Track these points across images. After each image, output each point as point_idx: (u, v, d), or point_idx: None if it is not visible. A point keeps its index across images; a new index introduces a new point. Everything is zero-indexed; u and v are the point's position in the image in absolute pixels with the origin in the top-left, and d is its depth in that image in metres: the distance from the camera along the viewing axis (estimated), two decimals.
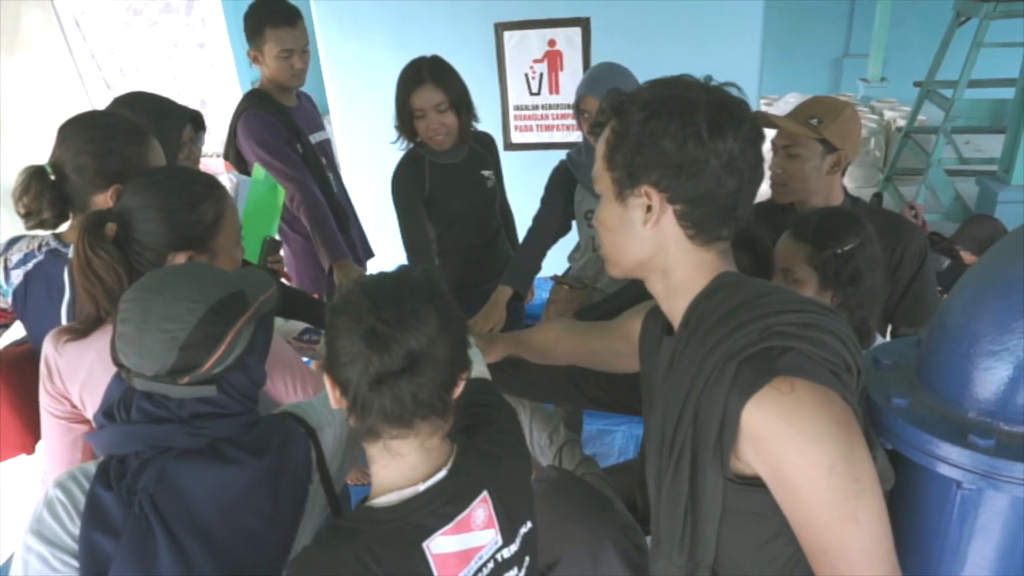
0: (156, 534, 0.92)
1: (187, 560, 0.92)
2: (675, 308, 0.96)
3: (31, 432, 1.51)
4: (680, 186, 0.87)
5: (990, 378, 0.86)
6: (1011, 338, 0.83)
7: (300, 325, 1.61)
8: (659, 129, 0.86)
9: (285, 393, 1.39)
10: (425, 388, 0.88)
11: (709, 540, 0.90)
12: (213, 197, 1.30)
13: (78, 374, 1.26)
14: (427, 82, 2.13)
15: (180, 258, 1.26)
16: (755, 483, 0.85)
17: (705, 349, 0.86)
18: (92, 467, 0.95)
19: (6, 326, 1.52)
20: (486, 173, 2.40)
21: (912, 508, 0.95)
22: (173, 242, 1.25)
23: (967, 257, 3.60)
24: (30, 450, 1.55)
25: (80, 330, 1.24)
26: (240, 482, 0.98)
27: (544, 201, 2.27)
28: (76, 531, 0.90)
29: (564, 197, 2.24)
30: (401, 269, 0.96)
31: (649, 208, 0.90)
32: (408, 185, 2.29)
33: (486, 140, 2.45)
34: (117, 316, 0.97)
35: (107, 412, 0.98)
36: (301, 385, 1.41)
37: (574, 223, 2.32)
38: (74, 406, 1.30)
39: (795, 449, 0.79)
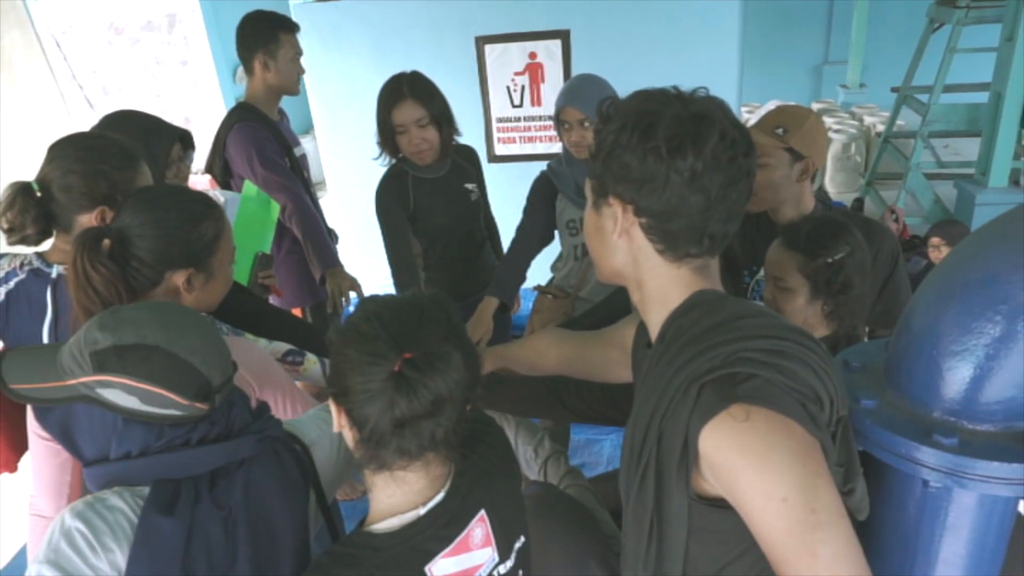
0: (240, 550, 0.95)
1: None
2: (651, 320, 0.97)
3: (14, 449, 1.51)
4: (642, 200, 0.87)
5: (953, 378, 0.88)
6: (971, 338, 0.85)
7: (284, 346, 1.61)
8: (624, 142, 0.86)
9: (275, 411, 1.40)
10: (443, 427, 0.89)
11: (676, 558, 0.89)
12: (212, 216, 1.31)
13: None
14: (407, 98, 2.15)
15: (179, 277, 1.27)
16: (721, 504, 0.84)
17: (672, 369, 0.86)
18: (111, 496, 0.93)
19: None
20: (469, 186, 2.41)
21: (883, 508, 0.97)
22: (173, 260, 1.26)
23: (935, 254, 3.67)
24: (12, 468, 1.54)
25: None
26: (290, 480, 1.05)
27: (526, 211, 2.29)
28: (99, 564, 0.88)
29: (546, 207, 2.26)
30: (411, 295, 0.94)
31: (617, 218, 0.91)
32: (392, 201, 2.30)
33: (468, 153, 2.47)
34: (175, 357, 0.95)
35: (169, 446, 0.97)
36: (291, 404, 1.42)
37: (557, 233, 2.34)
38: None
39: (747, 478, 0.79)
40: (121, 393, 0.94)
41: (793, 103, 1.82)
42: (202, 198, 1.33)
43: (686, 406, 0.83)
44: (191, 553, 0.91)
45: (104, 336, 0.94)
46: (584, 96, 2.03)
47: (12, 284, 1.43)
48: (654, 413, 0.87)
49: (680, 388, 0.84)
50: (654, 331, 0.96)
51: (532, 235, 2.26)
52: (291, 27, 2.47)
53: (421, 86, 2.18)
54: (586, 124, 2.03)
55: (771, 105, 6.45)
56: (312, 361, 1.61)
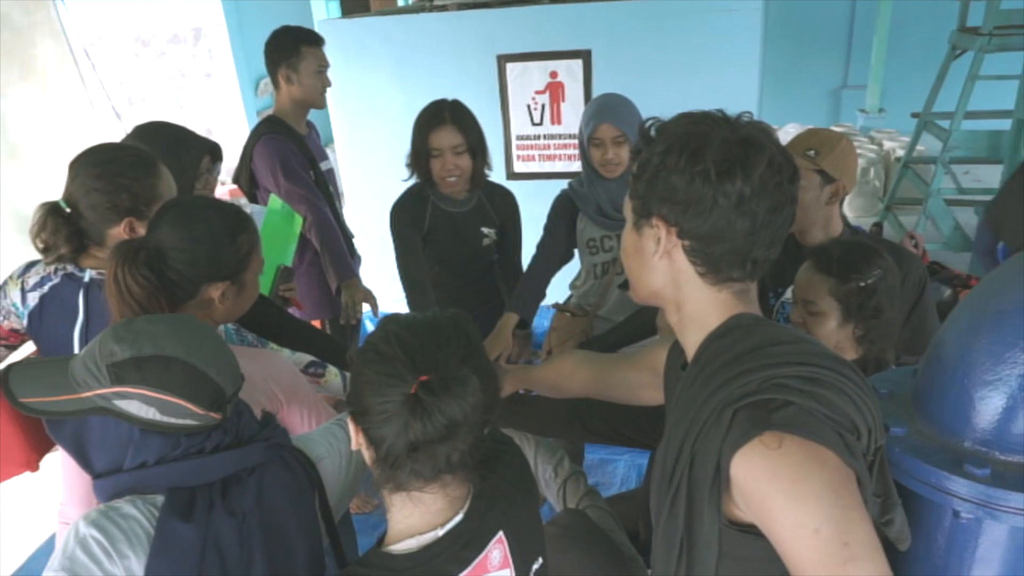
0: (255, 555, 0.96)
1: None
2: (688, 342, 0.96)
3: (36, 449, 1.51)
4: (688, 222, 0.86)
5: (985, 408, 0.86)
6: (1005, 368, 0.84)
7: (306, 357, 1.62)
8: (671, 164, 0.86)
9: (300, 425, 1.41)
10: (459, 449, 0.89)
11: None
12: (248, 229, 1.33)
13: None
14: (447, 123, 2.16)
15: (215, 290, 1.28)
16: (753, 531, 0.83)
17: (706, 393, 0.85)
18: (124, 504, 0.93)
19: (14, 347, 1.55)
20: (486, 230, 2.39)
21: (913, 538, 0.95)
22: (212, 275, 1.27)
23: None
24: (34, 467, 1.54)
25: None
26: (298, 486, 1.05)
27: (547, 229, 2.29)
28: (115, 570, 0.89)
29: (566, 225, 2.26)
30: (431, 315, 0.94)
31: (659, 240, 0.90)
32: (406, 219, 2.31)
33: (501, 196, 2.41)
34: (193, 367, 0.96)
35: (185, 455, 0.97)
36: (316, 419, 1.43)
37: (576, 251, 2.35)
38: None
39: (778, 507, 0.77)
40: (139, 404, 0.94)
41: (814, 126, 1.82)
42: (237, 211, 1.35)
43: (719, 431, 0.82)
44: (205, 559, 0.92)
45: (122, 348, 0.95)
46: (619, 114, 2.04)
47: (46, 288, 1.45)
48: (686, 436, 0.87)
49: (714, 412, 0.83)
50: (690, 353, 0.95)
51: (552, 253, 2.27)
52: (314, 40, 2.50)
53: (462, 114, 2.20)
54: (620, 141, 2.03)
55: (790, 128, 6.46)
56: (333, 374, 1.62)
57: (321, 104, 2.58)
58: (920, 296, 1.66)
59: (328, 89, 2.58)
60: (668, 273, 0.92)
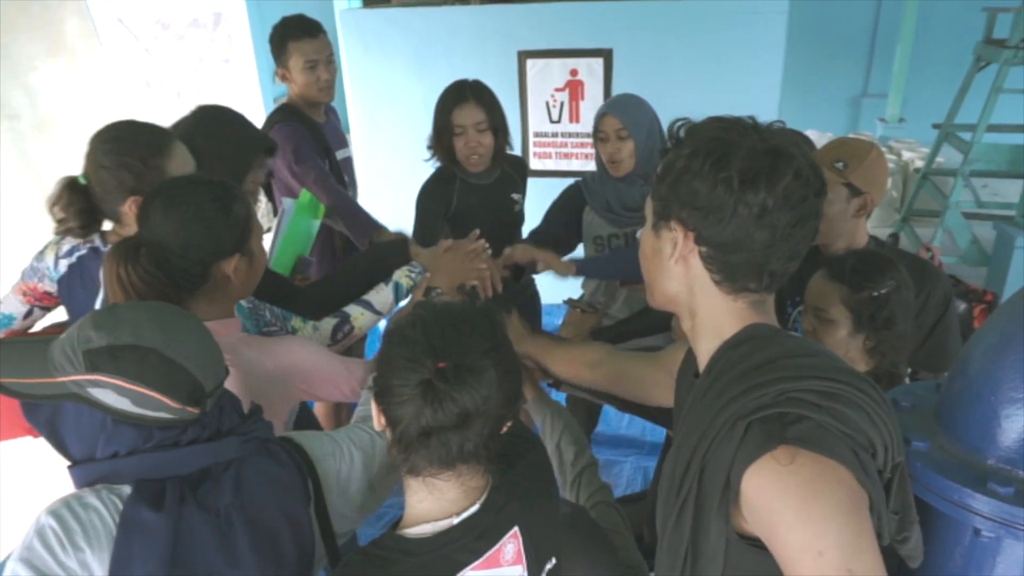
0: (242, 555, 0.95)
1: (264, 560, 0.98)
2: (700, 350, 0.95)
3: None
4: (707, 229, 0.85)
5: (1011, 426, 0.85)
6: None
7: (330, 324, 1.57)
8: (695, 168, 0.84)
9: (336, 395, 1.41)
10: (472, 440, 0.89)
11: None
12: (239, 196, 1.31)
13: None
14: (470, 100, 2.18)
15: (227, 265, 1.27)
16: (761, 544, 0.81)
17: (719, 404, 0.84)
18: (88, 495, 0.92)
19: (48, 309, 1.62)
20: (516, 196, 2.43)
21: (930, 553, 0.93)
22: (219, 250, 1.26)
23: None
24: (36, 432, 1.55)
25: None
26: (287, 480, 1.04)
27: (545, 216, 2.31)
28: (69, 562, 0.87)
29: (570, 214, 2.28)
30: (462, 305, 0.95)
31: (676, 244, 0.89)
32: (432, 197, 2.32)
33: (517, 163, 2.49)
34: (170, 360, 0.94)
35: (158, 447, 0.96)
36: (348, 385, 1.40)
37: (580, 246, 2.34)
38: None
39: (785, 525, 0.75)
40: (112, 394, 0.92)
41: (853, 136, 1.78)
42: (222, 183, 1.32)
43: (731, 444, 0.80)
44: (178, 552, 0.90)
45: (99, 335, 0.92)
46: (625, 108, 2.06)
47: (74, 258, 1.53)
48: (697, 447, 0.85)
49: (726, 424, 0.82)
50: (703, 361, 0.94)
51: (546, 237, 2.25)
52: (303, 34, 2.38)
53: (484, 92, 2.23)
54: (622, 135, 2.03)
55: (809, 135, 6.40)
56: (360, 313, 1.59)
57: (321, 99, 2.48)
58: (944, 313, 1.63)
59: (328, 80, 2.45)
60: (683, 278, 0.91)
